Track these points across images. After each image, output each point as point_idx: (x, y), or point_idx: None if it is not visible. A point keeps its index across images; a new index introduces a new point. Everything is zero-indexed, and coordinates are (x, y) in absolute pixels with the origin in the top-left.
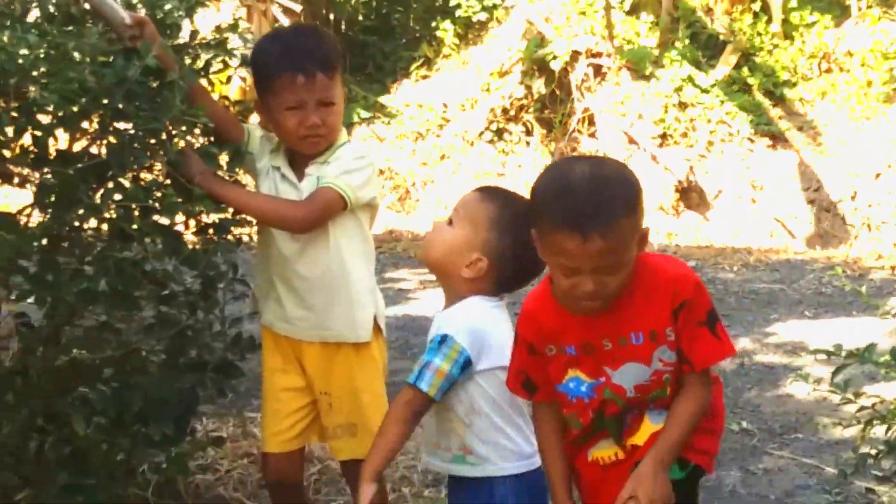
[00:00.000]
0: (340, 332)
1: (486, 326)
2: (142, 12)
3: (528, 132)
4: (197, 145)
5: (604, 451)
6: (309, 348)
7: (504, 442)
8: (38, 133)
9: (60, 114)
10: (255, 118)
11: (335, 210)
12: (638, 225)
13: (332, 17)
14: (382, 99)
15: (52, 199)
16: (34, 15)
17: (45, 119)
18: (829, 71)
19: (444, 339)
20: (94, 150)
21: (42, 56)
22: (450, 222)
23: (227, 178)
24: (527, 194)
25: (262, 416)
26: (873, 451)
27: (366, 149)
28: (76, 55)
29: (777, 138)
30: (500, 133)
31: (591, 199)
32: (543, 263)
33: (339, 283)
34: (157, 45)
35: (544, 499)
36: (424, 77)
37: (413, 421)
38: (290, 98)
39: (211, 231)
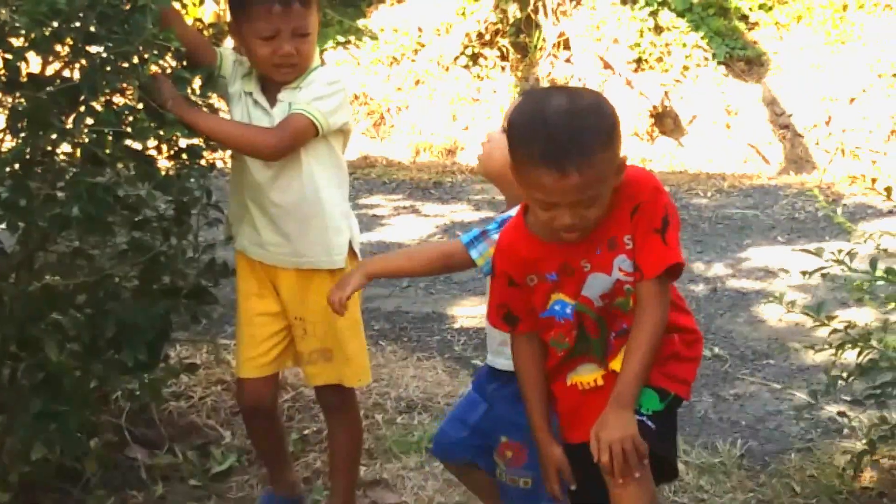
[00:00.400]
0: (315, 259)
1: None
2: None
3: (504, 57)
4: (169, 70)
5: (584, 377)
6: (284, 273)
7: None
8: (9, 56)
9: (32, 37)
10: (229, 42)
11: (307, 137)
12: (615, 157)
13: None
14: (359, 23)
15: (24, 123)
16: None
17: (16, 43)
18: None
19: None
20: (66, 74)
21: None
22: (503, 130)
23: (199, 102)
24: (502, 120)
25: (236, 342)
26: (844, 375)
27: (338, 73)
28: None
29: (752, 63)
30: (475, 58)
31: (567, 134)
32: None
33: (313, 209)
34: None
35: None
36: (399, 1)
37: (440, 268)
38: (264, 27)
39: (184, 156)
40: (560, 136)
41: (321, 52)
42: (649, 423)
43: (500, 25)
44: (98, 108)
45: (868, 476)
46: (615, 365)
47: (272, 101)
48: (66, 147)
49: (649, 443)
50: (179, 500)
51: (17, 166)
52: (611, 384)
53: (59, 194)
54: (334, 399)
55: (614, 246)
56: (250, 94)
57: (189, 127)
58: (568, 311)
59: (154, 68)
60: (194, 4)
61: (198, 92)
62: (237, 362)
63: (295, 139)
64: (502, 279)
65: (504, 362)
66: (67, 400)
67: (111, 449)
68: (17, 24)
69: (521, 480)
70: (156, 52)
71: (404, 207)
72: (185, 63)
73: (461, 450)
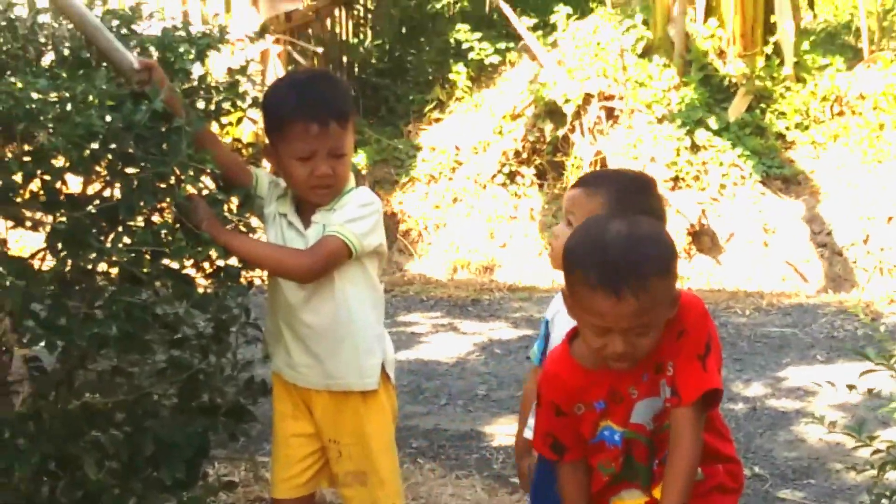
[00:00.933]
0: (347, 381)
1: None
2: (154, 56)
3: (540, 175)
4: (205, 191)
5: (627, 501)
6: (317, 396)
7: None
8: (48, 177)
9: (70, 158)
10: (266, 164)
11: (340, 259)
12: (671, 287)
13: (345, 59)
14: (395, 142)
15: (63, 242)
16: (49, 58)
17: (56, 164)
18: (841, 114)
19: None
20: (105, 194)
21: (51, 101)
22: (568, 224)
23: (236, 222)
24: (537, 238)
25: (272, 462)
26: (888, 494)
27: (371, 195)
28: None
29: (789, 182)
30: (512, 176)
31: (625, 258)
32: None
33: (344, 331)
34: (166, 90)
35: None
36: (437, 120)
37: None
38: (301, 147)
39: (222, 275)
40: (619, 262)
41: (358, 172)
42: None
43: (536, 144)
44: (135, 227)
45: None
46: (658, 493)
47: (306, 223)
48: (103, 266)
49: None
50: None
51: (55, 286)
52: None
53: (98, 313)
54: None
55: (660, 370)
56: (285, 215)
57: (224, 248)
58: (616, 437)
59: (190, 189)
60: (232, 124)
61: (234, 212)
62: (272, 482)
63: (328, 261)
64: (549, 409)
65: None
66: None
67: None
68: (54, 146)
69: None
70: (191, 172)
71: (442, 325)
72: (220, 184)
73: None
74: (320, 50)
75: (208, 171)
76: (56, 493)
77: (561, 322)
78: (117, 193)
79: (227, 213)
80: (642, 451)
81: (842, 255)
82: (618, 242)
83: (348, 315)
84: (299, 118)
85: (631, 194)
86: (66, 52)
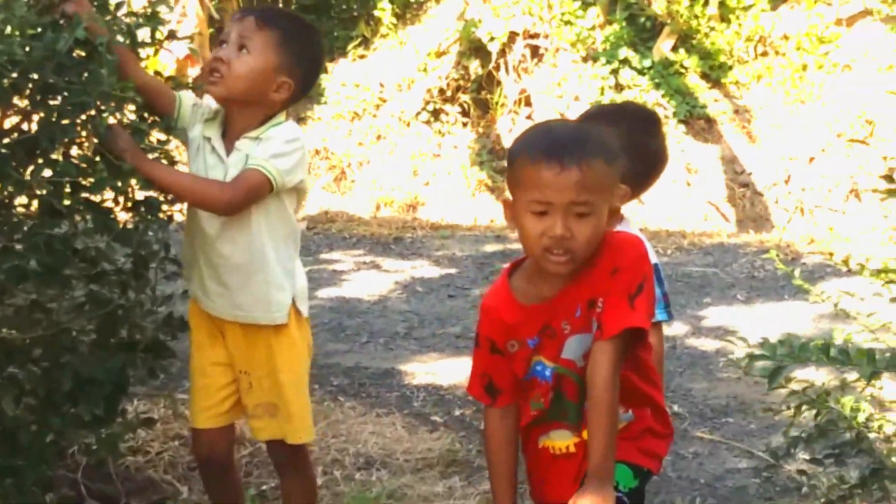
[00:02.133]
0: (254, 315)
1: None
2: None
3: (465, 113)
4: (127, 121)
5: (556, 442)
6: (229, 326)
7: None
8: None
9: None
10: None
11: (261, 194)
12: (614, 182)
13: None
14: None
15: None
16: None
17: None
18: (765, 54)
19: None
20: (23, 127)
21: None
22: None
23: (159, 154)
24: (461, 177)
25: (191, 392)
26: (804, 435)
27: (297, 131)
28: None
29: (712, 122)
30: (436, 114)
31: (570, 137)
32: None
33: (257, 265)
34: (87, 15)
35: None
36: (361, 57)
37: None
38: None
39: (143, 209)
40: (565, 139)
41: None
42: (626, 499)
43: (461, 82)
44: (55, 159)
45: None
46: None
47: (229, 150)
48: (23, 199)
49: None
50: None
51: None
52: (582, 452)
53: (17, 246)
54: (285, 455)
55: (593, 306)
56: (209, 139)
57: (145, 178)
58: (547, 373)
59: (111, 120)
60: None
61: (155, 143)
62: (192, 413)
63: (249, 196)
64: (485, 345)
65: None
66: (23, 454)
67: None
68: None
69: None
70: (113, 103)
71: (364, 263)
72: (144, 112)
73: None
74: None
75: (130, 100)
76: None
77: None
78: (34, 126)
79: (148, 143)
80: (572, 388)
81: (763, 196)
82: (565, 127)
83: (261, 248)
84: None
85: (639, 134)
86: None
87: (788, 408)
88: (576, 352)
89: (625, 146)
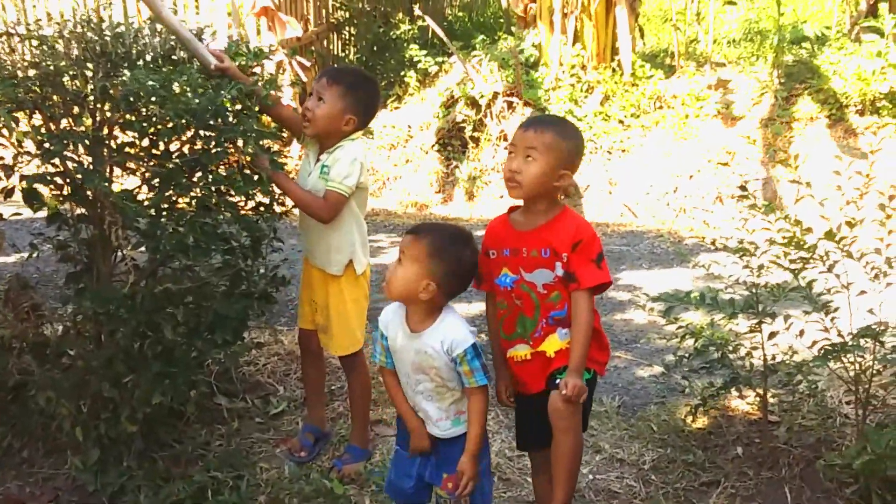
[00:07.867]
0: (321, 264)
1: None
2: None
3: (464, 145)
4: (266, 146)
5: (518, 352)
6: (314, 271)
7: None
8: (155, 137)
9: (174, 127)
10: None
11: (342, 203)
12: (563, 155)
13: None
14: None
15: (160, 181)
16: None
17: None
18: (661, 108)
19: (475, 348)
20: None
21: (158, 86)
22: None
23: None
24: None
25: (298, 307)
26: (686, 355)
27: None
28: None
29: (626, 152)
30: (445, 146)
31: (545, 120)
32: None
33: (327, 235)
34: (250, 82)
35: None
36: (396, 108)
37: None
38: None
39: (260, 207)
40: (537, 119)
41: None
42: (585, 385)
43: (462, 124)
44: (211, 170)
45: (701, 420)
46: (543, 347)
47: (319, 159)
48: (185, 199)
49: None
50: (249, 432)
51: (153, 211)
52: (536, 359)
53: (180, 229)
54: (346, 361)
55: (556, 254)
56: (309, 154)
57: (280, 189)
58: (508, 281)
59: (251, 150)
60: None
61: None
62: (298, 316)
63: (336, 209)
64: (483, 251)
65: (437, 431)
66: (176, 364)
67: (204, 397)
68: (164, 116)
69: (463, 500)
70: (252, 135)
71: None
72: (280, 145)
73: (412, 494)
74: (308, 64)
75: (270, 133)
76: (144, 347)
77: (395, 327)
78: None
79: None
80: (530, 306)
81: (660, 201)
82: (547, 116)
83: (331, 227)
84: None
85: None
86: (160, 50)
87: (676, 337)
88: (538, 280)
89: None
